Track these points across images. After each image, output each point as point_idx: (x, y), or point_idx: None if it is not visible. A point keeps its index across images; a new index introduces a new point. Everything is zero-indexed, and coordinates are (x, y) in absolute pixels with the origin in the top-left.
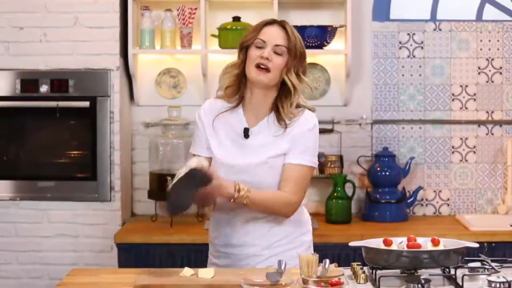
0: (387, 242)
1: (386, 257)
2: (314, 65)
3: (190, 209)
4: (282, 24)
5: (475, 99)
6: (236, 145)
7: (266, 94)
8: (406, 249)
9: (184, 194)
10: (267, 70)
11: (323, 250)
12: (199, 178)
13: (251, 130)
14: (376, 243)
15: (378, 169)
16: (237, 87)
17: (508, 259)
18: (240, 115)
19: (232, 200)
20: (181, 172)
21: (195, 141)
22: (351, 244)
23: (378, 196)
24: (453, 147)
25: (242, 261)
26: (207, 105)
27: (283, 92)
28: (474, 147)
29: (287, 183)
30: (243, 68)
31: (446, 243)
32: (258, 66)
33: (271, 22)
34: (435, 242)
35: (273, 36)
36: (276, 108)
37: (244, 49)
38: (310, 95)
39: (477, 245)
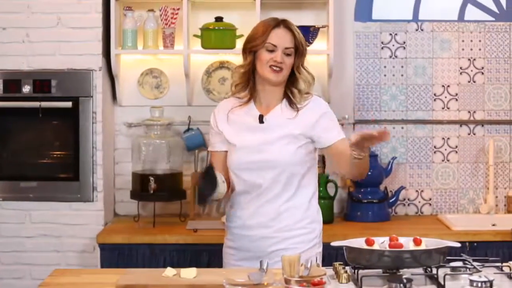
0: (369, 242)
1: (368, 257)
2: None
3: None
4: (287, 25)
5: (457, 99)
6: (252, 130)
7: (276, 88)
8: (388, 248)
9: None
10: (280, 70)
11: None
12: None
13: (265, 117)
14: (358, 243)
15: None
16: (246, 84)
17: (490, 258)
18: (252, 108)
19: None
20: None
21: (211, 140)
22: (333, 244)
23: (360, 196)
24: (435, 147)
25: (255, 242)
26: (220, 104)
27: (291, 82)
28: (456, 147)
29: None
30: (250, 67)
31: (428, 243)
32: (271, 67)
33: (277, 24)
34: (417, 242)
35: (282, 39)
36: (287, 96)
37: (252, 52)
38: (312, 82)
39: (459, 245)
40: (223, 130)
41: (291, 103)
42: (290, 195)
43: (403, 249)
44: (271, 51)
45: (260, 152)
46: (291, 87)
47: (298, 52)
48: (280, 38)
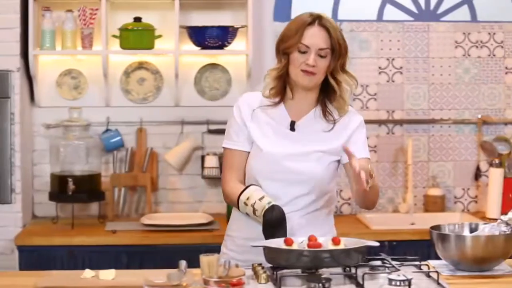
0: (288, 242)
1: (287, 256)
2: (215, 65)
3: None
4: (322, 23)
5: (375, 99)
6: (281, 136)
7: (309, 90)
8: (306, 248)
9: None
10: (312, 73)
11: None
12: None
13: (297, 124)
14: (277, 242)
15: None
16: (281, 87)
17: (409, 257)
18: (282, 110)
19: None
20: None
21: (232, 136)
22: (252, 244)
23: None
24: None
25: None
26: (246, 97)
27: (328, 88)
28: (375, 146)
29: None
30: (286, 71)
31: (347, 242)
32: (303, 70)
33: (311, 22)
34: (336, 241)
35: (316, 40)
36: (322, 103)
37: (286, 54)
38: (355, 87)
39: (377, 244)
40: (250, 128)
41: (326, 112)
42: (312, 210)
43: (322, 248)
44: (304, 52)
45: (289, 164)
46: (327, 94)
47: (335, 53)
48: (313, 37)
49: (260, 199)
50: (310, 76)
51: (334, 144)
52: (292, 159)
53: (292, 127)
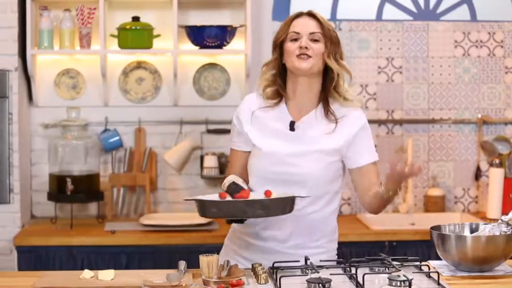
0: (222, 196)
1: (211, 205)
2: (213, 65)
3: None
4: (310, 14)
5: (375, 99)
6: (281, 136)
7: (310, 85)
8: (231, 199)
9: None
10: (308, 57)
11: None
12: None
13: (297, 124)
14: (212, 197)
15: None
16: (277, 86)
17: (409, 257)
18: (283, 110)
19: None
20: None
21: (233, 137)
22: (185, 198)
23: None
24: None
25: (268, 254)
26: (247, 100)
27: (328, 81)
28: (375, 146)
29: (376, 182)
30: (279, 64)
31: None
32: (298, 56)
33: (299, 14)
34: (267, 194)
35: (306, 25)
36: (324, 99)
37: (278, 46)
38: (350, 81)
39: (309, 196)
40: (248, 132)
41: (327, 112)
42: (311, 211)
43: (244, 199)
44: (296, 39)
45: (288, 164)
46: (328, 86)
47: (327, 38)
48: (302, 25)
49: (229, 179)
50: (306, 59)
51: (334, 144)
52: (290, 159)
53: (292, 127)
